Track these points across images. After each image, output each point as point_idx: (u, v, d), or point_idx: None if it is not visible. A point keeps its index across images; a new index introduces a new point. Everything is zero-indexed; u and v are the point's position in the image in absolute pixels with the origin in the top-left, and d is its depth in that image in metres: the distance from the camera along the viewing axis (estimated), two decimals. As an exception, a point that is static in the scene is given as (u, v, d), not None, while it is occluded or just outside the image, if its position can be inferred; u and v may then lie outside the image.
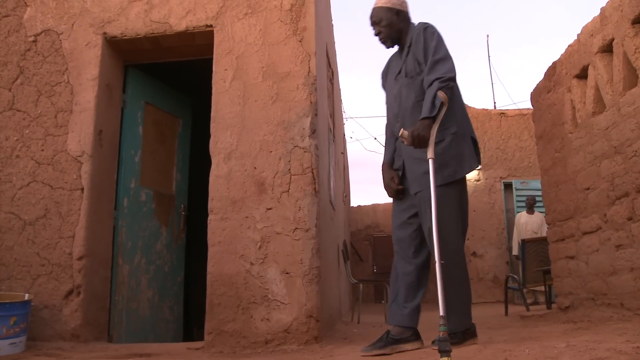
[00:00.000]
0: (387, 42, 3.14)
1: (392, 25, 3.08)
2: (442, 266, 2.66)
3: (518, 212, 9.50)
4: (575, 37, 4.34)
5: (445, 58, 2.86)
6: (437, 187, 2.69)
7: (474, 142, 2.99)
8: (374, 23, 3.14)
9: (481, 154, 9.72)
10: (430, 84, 2.81)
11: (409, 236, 3.01)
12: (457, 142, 2.89)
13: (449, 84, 2.79)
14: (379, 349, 2.85)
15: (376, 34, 3.15)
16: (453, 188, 2.90)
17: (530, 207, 8.58)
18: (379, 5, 3.11)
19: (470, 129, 3.01)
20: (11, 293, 3.52)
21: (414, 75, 2.99)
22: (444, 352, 2.30)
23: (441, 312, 2.49)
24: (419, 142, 2.71)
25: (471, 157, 2.94)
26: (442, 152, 2.84)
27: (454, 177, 2.88)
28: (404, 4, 3.19)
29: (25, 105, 3.99)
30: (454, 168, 2.87)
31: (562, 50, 4.65)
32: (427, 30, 2.97)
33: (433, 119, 2.73)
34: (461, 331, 2.90)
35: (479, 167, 3.40)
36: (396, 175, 3.09)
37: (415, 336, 2.99)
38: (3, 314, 3.12)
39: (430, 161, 2.72)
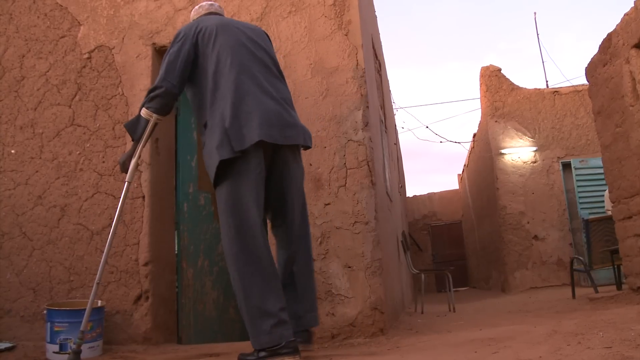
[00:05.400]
0: None
1: None
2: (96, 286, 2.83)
3: (579, 191, 9.28)
4: (632, 5, 4.16)
5: (161, 67, 2.80)
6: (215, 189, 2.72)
7: (227, 129, 2.64)
8: None
9: (536, 135, 9.60)
10: None
11: None
12: (209, 139, 2.71)
13: (150, 95, 2.75)
14: None
15: None
16: (222, 188, 2.67)
17: None
18: None
19: (223, 117, 2.66)
20: (85, 300, 3.65)
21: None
22: None
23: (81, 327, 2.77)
24: (121, 169, 2.89)
25: (218, 149, 2.61)
26: (203, 157, 2.78)
27: (213, 177, 2.67)
28: (195, 11, 3.16)
29: (84, 120, 4.14)
30: (211, 167, 2.67)
31: (617, 20, 4.47)
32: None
33: (138, 142, 2.82)
34: (257, 350, 2.49)
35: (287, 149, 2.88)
36: None
37: None
38: (80, 320, 3.24)
39: (125, 185, 2.88)
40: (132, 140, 2.85)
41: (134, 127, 2.80)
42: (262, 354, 2.46)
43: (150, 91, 2.77)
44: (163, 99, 2.74)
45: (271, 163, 2.78)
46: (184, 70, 2.78)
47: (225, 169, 2.63)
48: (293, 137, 2.78)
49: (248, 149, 2.60)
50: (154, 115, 2.76)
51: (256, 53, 2.88)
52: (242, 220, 2.59)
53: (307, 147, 2.98)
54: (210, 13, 3.10)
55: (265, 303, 2.50)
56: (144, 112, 2.76)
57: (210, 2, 3.18)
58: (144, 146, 2.86)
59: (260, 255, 2.58)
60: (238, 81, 2.72)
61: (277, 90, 2.84)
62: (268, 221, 2.95)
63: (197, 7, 3.18)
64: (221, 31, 2.84)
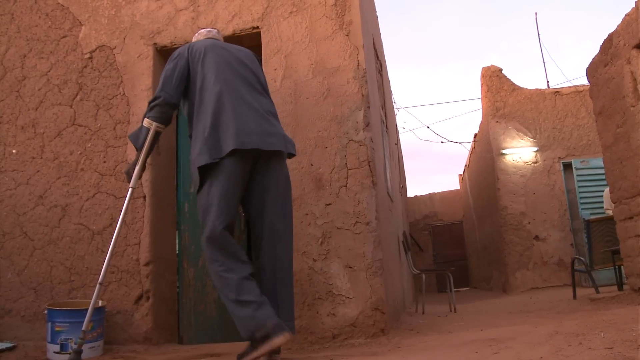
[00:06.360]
0: None
1: None
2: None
3: (580, 192, 9.28)
4: (633, 5, 4.15)
5: (159, 81, 2.96)
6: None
7: (206, 139, 2.78)
8: None
9: (537, 135, 9.60)
10: None
11: None
12: (192, 149, 2.88)
13: (150, 105, 2.92)
14: None
15: None
16: (200, 194, 2.80)
17: None
18: None
19: (204, 128, 2.81)
20: (86, 300, 3.66)
21: None
22: None
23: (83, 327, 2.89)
24: (127, 179, 3.03)
25: (197, 157, 2.77)
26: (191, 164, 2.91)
27: (197, 183, 2.81)
28: (195, 37, 3.33)
29: (85, 120, 4.15)
30: (193, 175, 2.84)
31: (618, 21, 4.47)
32: None
33: (140, 150, 2.96)
34: (249, 340, 2.64)
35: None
36: None
37: None
38: (81, 320, 3.25)
39: (130, 190, 3.00)
40: (136, 150, 2.97)
41: (137, 137, 2.95)
42: (254, 344, 2.56)
43: (150, 102, 2.94)
44: (161, 108, 2.90)
45: (253, 170, 2.87)
46: (180, 83, 2.95)
47: (205, 177, 2.78)
48: (274, 144, 2.87)
49: (224, 157, 2.73)
50: (154, 124, 2.90)
51: (241, 71, 3.01)
52: (214, 225, 2.71)
53: (291, 155, 3.08)
54: (207, 39, 3.24)
55: (242, 295, 2.62)
56: (145, 121, 2.92)
57: (208, 29, 3.35)
58: (147, 154, 2.95)
59: (232, 254, 2.70)
60: (219, 94, 2.87)
61: (260, 103, 2.95)
62: (247, 227, 3.06)
63: (197, 34, 3.34)
64: (209, 51, 3.02)
